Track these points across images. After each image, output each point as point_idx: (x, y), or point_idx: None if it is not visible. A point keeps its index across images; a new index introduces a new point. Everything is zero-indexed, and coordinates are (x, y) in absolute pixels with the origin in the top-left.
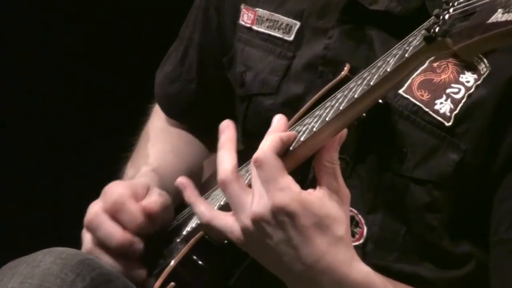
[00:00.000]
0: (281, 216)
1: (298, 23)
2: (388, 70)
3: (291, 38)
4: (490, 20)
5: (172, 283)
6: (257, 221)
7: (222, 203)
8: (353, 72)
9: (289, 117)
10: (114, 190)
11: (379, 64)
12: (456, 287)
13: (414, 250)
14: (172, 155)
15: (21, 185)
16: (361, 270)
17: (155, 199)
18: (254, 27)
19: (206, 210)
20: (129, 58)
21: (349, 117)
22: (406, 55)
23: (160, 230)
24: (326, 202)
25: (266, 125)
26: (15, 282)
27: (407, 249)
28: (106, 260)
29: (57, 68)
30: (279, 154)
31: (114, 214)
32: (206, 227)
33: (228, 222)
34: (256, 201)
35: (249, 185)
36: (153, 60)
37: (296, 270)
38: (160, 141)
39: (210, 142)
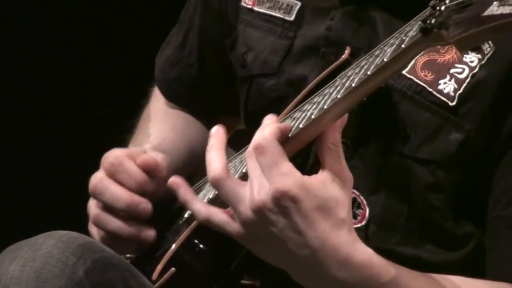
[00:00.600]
0: (285, 201)
1: (299, 3)
2: (385, 60)
3: (292, 18)
4: (486, 13)
5: (173, 269)
6: (260, 209)
7: (211, 196)
8: (354, 55)
9: (291, 98)
10: (111, 153)
11: (376, 53)
12: (457, 269)
13: (416, 231)
14: (172, 134)
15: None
16: (364, 251)
17: (153, 156)
18: (255, 8)
19: (202, 207)
20: (128, 45)
21: (347, 105)
22: (403, 46)
23: (162, 192)
24: (329, 185)
25: (269, 105)
26: (16, 265)
27: (409, 230)
28: (115, 223)
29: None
30: (279, 141)
31: (113, 175)
32: (204, 224)
33: (226, 217)
34: (257, 190)
35: (241, 178)
36: (152, 46)
37: (301, 256)
38: (160, 121)
39: (210, 126)
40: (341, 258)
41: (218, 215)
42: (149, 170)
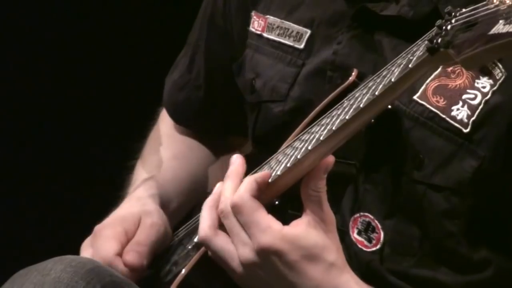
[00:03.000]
0: (269, 256)
1: (309, 31)
2: (393, 80)
3: (302, 46)
4: (492, 31)
5: None
6: (248, 265)
7: None
8: (361, 78)
9: (298, 122)
10: (102, 246)
11: (384, 73)
12: None
13: (431, 255)
14: (174, 162)
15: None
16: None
17: (139, 242)
18: (265, 34)
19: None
20: (137, 61)
21: (355, 126)
22: (410, 66)
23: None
24: (312, 232)
25: (275, 131)
26: None
27: (424, 254)
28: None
29: (64, 72)
30: (256, 196)
31: None
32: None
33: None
34: (241, 249)
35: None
36: (161, 65)
37: None
38: (163, 148)
39: (218, 147)
40: None
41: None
42: (134, 269)
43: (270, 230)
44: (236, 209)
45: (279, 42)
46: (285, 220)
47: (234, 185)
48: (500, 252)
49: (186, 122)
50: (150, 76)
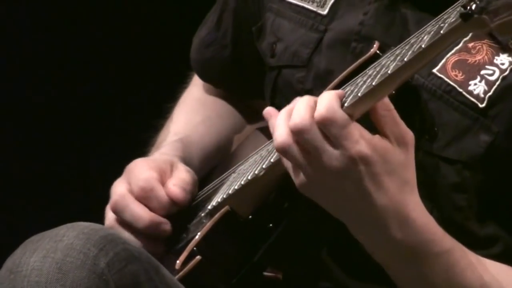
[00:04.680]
0: (359, 165)
1: None
2: (423, 46)
3: (325, 12)
4: None
5: (198, 257)
6: (331, 173)
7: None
8: (382, 50)
9: (317, 91)
10: (140, 173)
11: (412, 41)
12: None
13: None
14: (202, 126)
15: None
16: (425, 215)
17: (182, 181)
18: None
19: (287, 133)
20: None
21: (382, 93)
22: (442, 32)
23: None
24: (396, 149)
25: (295, 97)
26: (37, 256)
27: None
28: (128, 238)
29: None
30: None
31: (142, 200)
32: (279, 152)
33: (301, 162)
34: (328, 158)
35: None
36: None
37: (362, 214)
38: (193, 111)
39: (244, 109)
40: (402, 219)
41: (296, 153)
42: (177, 201)
43: (363, 140)
44: (326, 122)
45: (302, 7)
46: (259, 232)
47: (311, 101)
48: (508, 230)
49: (212, 80)
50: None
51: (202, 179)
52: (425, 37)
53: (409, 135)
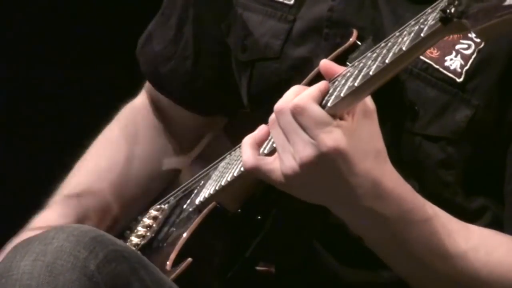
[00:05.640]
0: (332, 155)
1: None
2: (404, 48)
3: (292, 1)
4: (507, 2)
5: (189, 259)
6: (305, 165)
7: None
8: (361, 39)
9: (296, 81)
10: None
11: (392, 41)
12: None
13: None
14: (110, 172)
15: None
16: (402, 183)
17: None
18: None
19: (251, 152)
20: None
21: (364, 93)
22: (422, 35)
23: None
24: (364, 124)
25: (273, 89)
26: (27, 260)
27: None
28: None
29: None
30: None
31: None
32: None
33: (272, 167)
34: (302, 148)
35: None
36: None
37: (341, 194)
38: (102, 155)
39: (201, 125)
40: (380, 192)
41: (278, 134)
42: None
43: (336, 129)
44: (299, 110)
45: None
46: (249, 226)
47: (297, 91)
48: (495, 200)
49: (171, 94)
50: None
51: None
52: (405, 38)
53: (372, 105)
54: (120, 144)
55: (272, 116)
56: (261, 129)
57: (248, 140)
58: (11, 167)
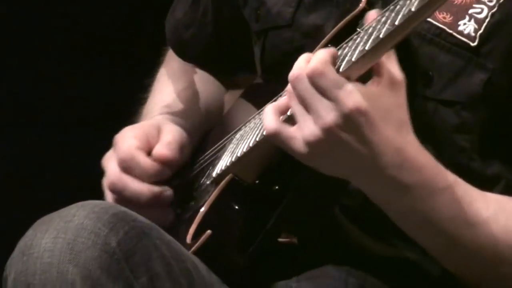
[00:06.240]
0: (356, 117)
1: None
2: (412, 9)
3: None
4: None
5: (209, 231)
6: (330, 129)
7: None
8: (370, 3)
9: (308, 48)
10: (122, 144)
11: (400, 3)
12: None
13: None
14: (188, 92)
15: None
16: (423, 152)
17: (167, 141)
18: None
19: (274, 120)
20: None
21: (375, 57)
22: None
23: (181, 165)
24: (388, 91)
25: (286, 57)
26: (48, 237)
27: None
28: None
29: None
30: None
31: (127, 171)
32: (269, 138)
33: (293, 134)
34: (323, 113)
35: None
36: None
37: (363, 163)
38: (176, 80)
39: (229, 85)
40: (404, 160)
41: (296, 105)
42: (165, 161)
43: (355, 90)
44: (317, 74)
45: None
46: (268, 197)
47: (308, 58)
48: (510, 167)
49: (195, 60)
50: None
51: (196, 144)
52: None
53: (400, 76)
54: (188, 72)
55: (289, 86)
56: (282, 99)
57: (270, 108)
58: (11, 166)
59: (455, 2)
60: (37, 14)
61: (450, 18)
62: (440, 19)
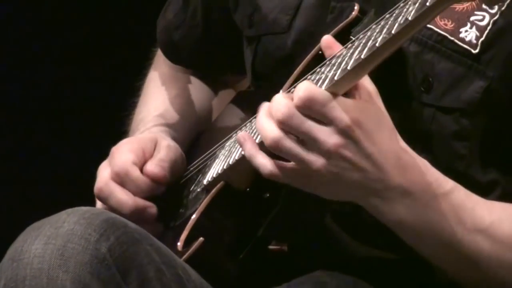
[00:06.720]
0: (353, 131)
1: None
2: (409, 18)
3: None
4: None
5: (201, 238)
6: (335, 150)
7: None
8: (363, 13)
9: (298, 56)
10: (119, 157)
11: (397, 12)
12: None
13: None
14: (179, 99)
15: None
16: (419, 157)
17: (159, 158)
18: None
19: (267, 161)
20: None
21: (371, 66)
22: (428, 4)
23: (172, 182)
24: (373, 99)
25: (277, 64)
26: (38, 243)
27: None
28: (118, 197)
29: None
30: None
31: (120, 184)
32: (269, 177)
33: (293, 169)
34: (325, 137)
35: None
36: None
37: (368, 179)
38: (167, 86)
39: (216, 84)
40: (403, 164)
41: (292, 145)
42: (156, 180)
43: (347, 107)
44: (307, 103)
45: None
46: (259, 205)
47: (288, 94)
48: (507, 174)
49: (183, 61)
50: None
51: (186, 151)
52: (411, 8)
53: (373, 86)
54: (178, 77)
55: (275, 134)
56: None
57: (271, 163)
58: (12, 166)
59: (456, 9)
60: (24, 18)
61: (452, 25)
62: (441, 25)
